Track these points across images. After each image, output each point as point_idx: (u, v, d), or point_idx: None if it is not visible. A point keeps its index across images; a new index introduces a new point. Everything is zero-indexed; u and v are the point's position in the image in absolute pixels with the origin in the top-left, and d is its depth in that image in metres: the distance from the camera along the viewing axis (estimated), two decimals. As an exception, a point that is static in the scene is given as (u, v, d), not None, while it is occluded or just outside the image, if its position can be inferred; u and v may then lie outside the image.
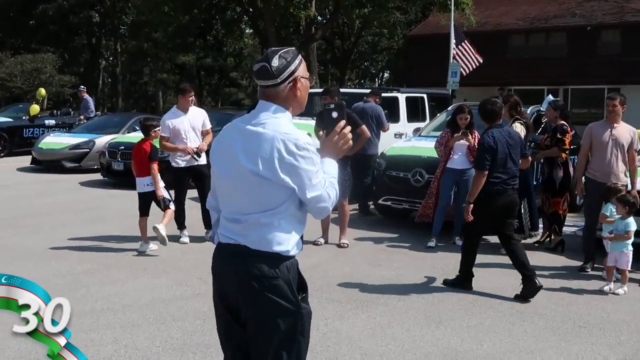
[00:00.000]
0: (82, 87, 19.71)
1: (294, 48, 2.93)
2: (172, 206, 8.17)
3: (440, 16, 27.78)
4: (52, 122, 20.81)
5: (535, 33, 31.83)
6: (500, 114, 6.84)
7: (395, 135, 12.59)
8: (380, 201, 10.26)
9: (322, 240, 8.68)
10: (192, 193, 9.11)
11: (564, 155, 8.51)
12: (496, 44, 31.10)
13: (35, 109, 20.39)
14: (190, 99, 8.59)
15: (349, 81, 55.53)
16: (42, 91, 22.98)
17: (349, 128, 2.97)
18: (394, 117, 12.97)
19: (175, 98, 9.20)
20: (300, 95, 2.89)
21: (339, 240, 8.66)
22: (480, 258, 7.93)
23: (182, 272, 7.24)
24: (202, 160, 8.56)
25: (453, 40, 20.61)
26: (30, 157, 17.08)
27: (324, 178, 2.83)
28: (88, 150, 16.19)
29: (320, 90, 10.77)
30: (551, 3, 32.26)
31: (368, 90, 13.90)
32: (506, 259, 7.96)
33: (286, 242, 2.82)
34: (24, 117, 20.55)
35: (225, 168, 2.86)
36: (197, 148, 8.51)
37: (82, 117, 19.88)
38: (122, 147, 13.89)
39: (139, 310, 5.91)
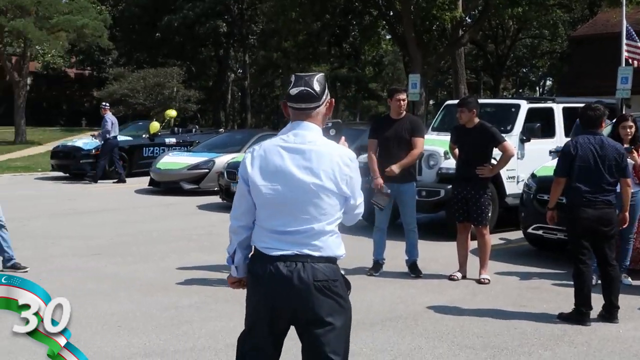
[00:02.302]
0: (105, 104, 20.11)
1: (322, 73, 3.56)
2: None
3: (611, 12, 26.60)
4: (173, 140, 21.67)
5: None
6: (599, 122, 6.97)
7: (550, 152, 12.04)
8: (530, 230, 9.79)
9: (459, 275, 8.42)
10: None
11: None
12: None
13: (155, 126, 21.32)
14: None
15: (504, 90, 54.57)
16: (173, 112, 24.07)
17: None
18: (548, 131, 12.46)
19: None
20: (329, 113, 3.60)
21: (479, 275, 8.37)
22: None
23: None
24: None
25: (625, 41, 19.68)
26: (149, 177, 17.85)
27: None
28: (207, 170, 16.66)
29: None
30: None
31: (518, 100, 13.46)
32: None
33: (341, 245, 3.51)
34: (144, 136, 21.54)
35: (283, 186, 3.41)
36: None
37: (95, 134, 20.10)
38: (242, 168, 14.12)
39: (243, 350, 5.89)
